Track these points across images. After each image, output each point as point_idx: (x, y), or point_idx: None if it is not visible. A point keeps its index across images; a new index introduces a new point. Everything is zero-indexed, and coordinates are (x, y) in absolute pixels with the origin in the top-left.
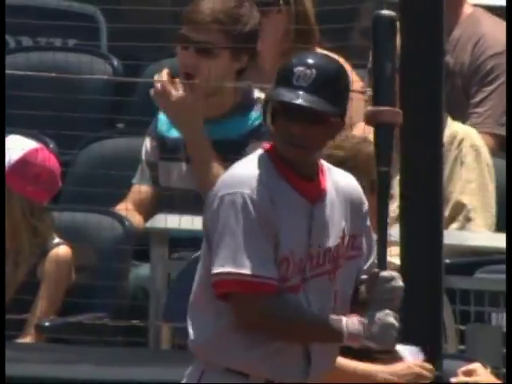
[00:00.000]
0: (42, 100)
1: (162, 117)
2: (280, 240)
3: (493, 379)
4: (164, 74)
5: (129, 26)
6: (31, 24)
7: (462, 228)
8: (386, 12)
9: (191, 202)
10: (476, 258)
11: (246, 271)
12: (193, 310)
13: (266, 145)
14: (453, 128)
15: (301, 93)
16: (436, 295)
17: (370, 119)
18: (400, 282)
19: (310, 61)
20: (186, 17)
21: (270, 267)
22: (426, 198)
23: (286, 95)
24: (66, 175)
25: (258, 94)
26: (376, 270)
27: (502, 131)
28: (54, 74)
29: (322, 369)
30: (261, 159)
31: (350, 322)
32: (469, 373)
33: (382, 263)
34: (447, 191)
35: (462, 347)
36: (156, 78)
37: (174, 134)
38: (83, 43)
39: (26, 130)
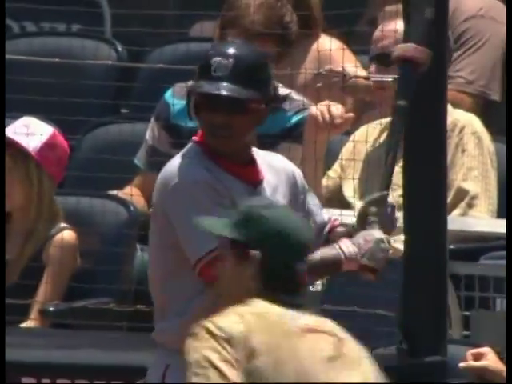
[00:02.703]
0: (45, 85)
1: (175, 104)
2: None
3: (501, 365)
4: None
5: (132, 11)
6: (35, 9)
7: (464, 214)
8: None
9: None
10: (480, 244)
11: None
12: (159, 299)
13: (195, 138)
14: (454, 115)
15: (220, 83)
16: (441, 281)
17: (398, 55)
18: (399, 215)
19: (227, 51)
20: (233, 22)
21: None
22: (429, 184)
23: (206, 86)
24: (71, 160)
25: (283, 90)
26: (385, 192)
27: (471, 89)
28: (57, 60)
29: None
30: (194, 153)
31: (344, 246)
32: (478, 356)
33: (386, 187)
34: (449, 178)
35: (466, 333)
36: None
37: (191, 123)
38: (87, 28)
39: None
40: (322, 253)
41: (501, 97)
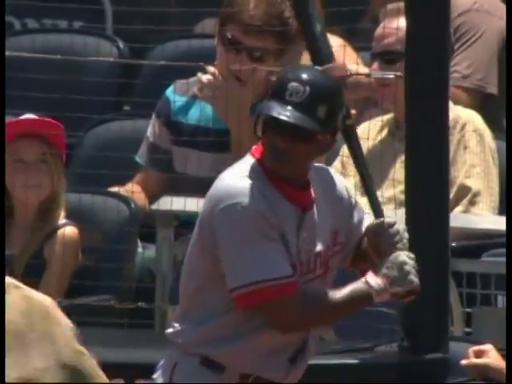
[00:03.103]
0: (47, 82)
1: (176, 101)
2: (287, 239)
3: (503, 362)
4: (211, 70)
5: (134, 8)
6: (36, 6)
7: (466, 211)
8: None
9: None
10: (482, 241)
11: (272, 276)
12: (185, 303)
13: (255, 152)
14: (455, 112)
15: (290, 108)
16: (443, 278)
17: None
18: (402, 225)
19: (305, 77)
20: (233, 17)
21: (288, 266)
22: (431, 181)
23: (275, 109)
24: (73, 157)
25: None
26: (380, 219)
27: (468, 84)
28: (59, 57)
29: (301, 367)
30: (257, 174)
31: (371, 280)
32: (480, 353)
33: (378, 213)
34: (451, 175)
35: (468, 330)
36: (200, 75)
37: (192, 120)
38: (89, 25)
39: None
40: (350, 288)
41: (498, 90)
